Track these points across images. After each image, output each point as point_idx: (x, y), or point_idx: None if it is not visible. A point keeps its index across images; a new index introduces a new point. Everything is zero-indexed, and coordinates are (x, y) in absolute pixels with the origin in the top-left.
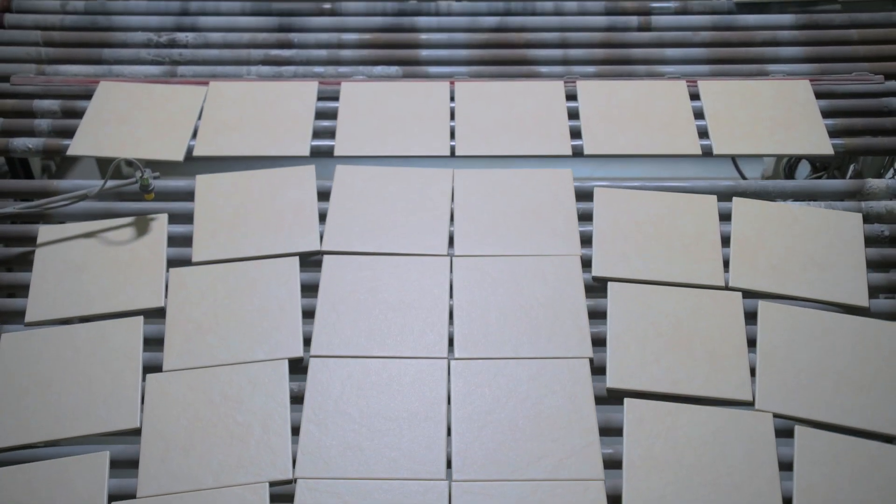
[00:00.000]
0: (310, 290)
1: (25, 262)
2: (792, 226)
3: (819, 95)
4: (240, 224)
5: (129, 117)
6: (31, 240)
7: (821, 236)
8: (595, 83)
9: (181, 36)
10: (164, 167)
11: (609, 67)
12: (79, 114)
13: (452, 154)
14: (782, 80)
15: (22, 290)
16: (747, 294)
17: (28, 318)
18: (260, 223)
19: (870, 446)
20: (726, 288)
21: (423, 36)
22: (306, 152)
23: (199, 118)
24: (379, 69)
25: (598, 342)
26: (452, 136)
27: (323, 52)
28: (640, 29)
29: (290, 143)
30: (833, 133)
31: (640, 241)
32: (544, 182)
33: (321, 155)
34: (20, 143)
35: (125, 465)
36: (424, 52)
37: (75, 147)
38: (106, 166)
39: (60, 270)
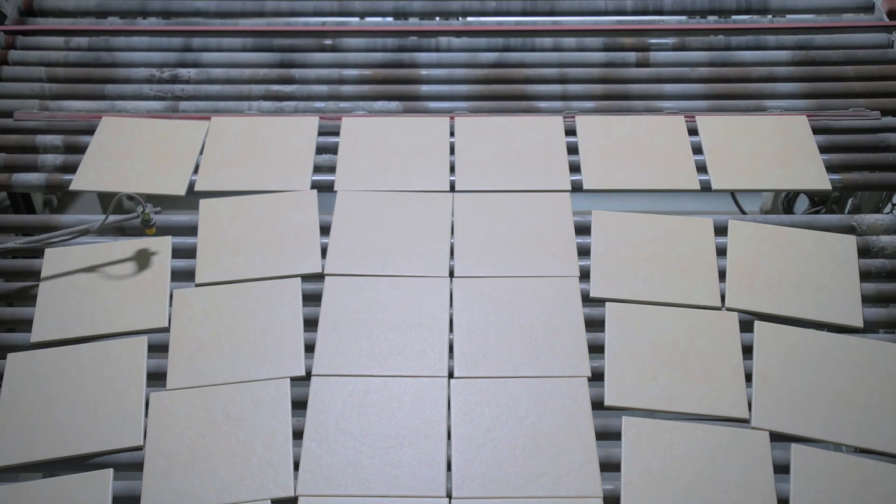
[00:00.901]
0: (312, 310)
1: (26, 297)
2: (787, 248)
3: (816, 131)
4: (242, 247)
5: (131, 152)
6: (32, 274)
7: (815, 258)
8: (594, 118)
9: (183, 72)
10: (165, 201)
11: (608, 103)
12: (81, 149)
13: (452, 189)
14: (780, 116)
15: (23, 324)
16: (743, 315)
17: (33, 339)
18: (262, 246)
19: (865, 464)
20: (723, 308)
21: (424, 72)
22: (307, 187)
23: (201, 153)
24: (379, 104)
25: (596, 361)
26: (452, 170)
27: (324, 88)
28: (639, 65)
29: (292, 178)
30: (831, 168)
31: (637, 262)
32: (543, 206)
33: (321, 189)
34: (23, 178)
35: (128, 474)
36: (425, 88)
37: (78, 182)
38: (108, 200)
39: (65, 291)
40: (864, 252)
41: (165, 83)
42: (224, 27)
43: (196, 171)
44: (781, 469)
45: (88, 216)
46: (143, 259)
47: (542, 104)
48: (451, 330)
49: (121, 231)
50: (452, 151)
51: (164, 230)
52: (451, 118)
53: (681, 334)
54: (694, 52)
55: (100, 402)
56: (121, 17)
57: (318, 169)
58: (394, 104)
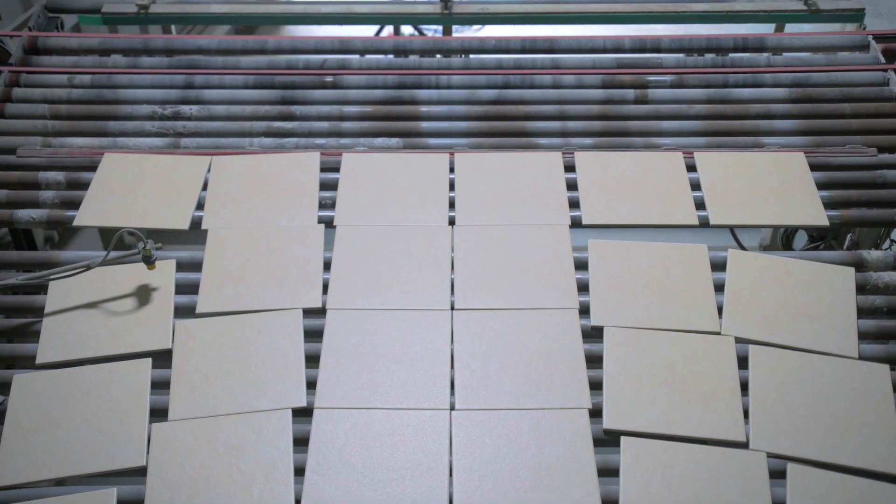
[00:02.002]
0: (314, 341)
1: (27, 334)
2: (785, 278)
3: (814, 168)
4: (246, 278)
5: (133, 188)
6: (33, 310)
7: (812, 288)
8: (593, 154)
9: (185, 108)
10: (166, 237)
11: (607, 139)
12: (84, 185)
13: (451, 224)
14: (777, 153)
15: (22, 360)
16: (739, 342)
17: (39, 360)
18: (265, 278)
19: (860, 483)
20: (720, 334)
21: (424, 108)
22: (314, 221)
23: (204, 189)
24: (380, 141)
25: (596, 397)
26: (452, 206)
27: (324, 125)
28: (637, 102)
29: (298, 213)
30: (829, 205)
31: (635, 290)
32: (542, 239)
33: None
34: (25, 214)
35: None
36: (425, 125)
37: (81, 218)
38: (109, 236)
39: (71, 313)
40: (871, 290)
41: (167, 120)
42: (226, 70)
43: (199, 206)
44: (778, 490)
45: (89, 252)
46: (147, 282)
47: (542, 140)
48: (452, 362)
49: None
50: (452, 188)
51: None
52: (451, 154)
53: (678, 358)
54: (692, 90)
55: (104, 423)
56: (124, 55)
57: (318, 205)
58: (394, 140)
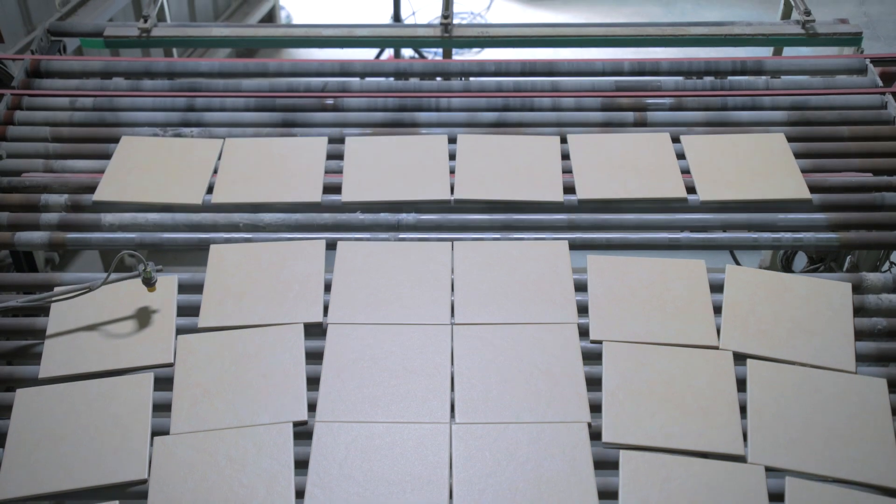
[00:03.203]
0: (314, 356)
1: (27, 356)
2: (782, 294)
3: (813, 190)
4: (247, 293)
5: (149, 167)
6: (33, 333)
7: (810, 304)
8: (585, 137)
9: (186, 131)
10: (167, 259)
11: None
12: (85, 208)
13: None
14: (759, 134)
15: (23, 383)
16: (737, 356)
17: (42, 375)
18: (266, 293)
19: (858, 497)
20: (718, 348)
21: (424, 131)
22: (318, 198)
23: (215, 170)
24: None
25: (595, 420)
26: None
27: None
28: (636, 124)
29: (303, 191)
30: (827, 227)
31: (633, 305)
32: (541, 253)
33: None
34: (25, 236)
35: None
36: None
37: (100, 194)
38: (110, 258)
39: (74, 328)
40: (871, 312)
41: None
42: (227, 93)
43: (210, 188)
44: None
45: (90, 274)
46: (149, 299)
47: None
48: (452, 377)
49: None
50: (452, 170)
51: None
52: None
53: (677, 373)
54: (691, 112)
55: (106, 437)
56: (125, 78)
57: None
58: None
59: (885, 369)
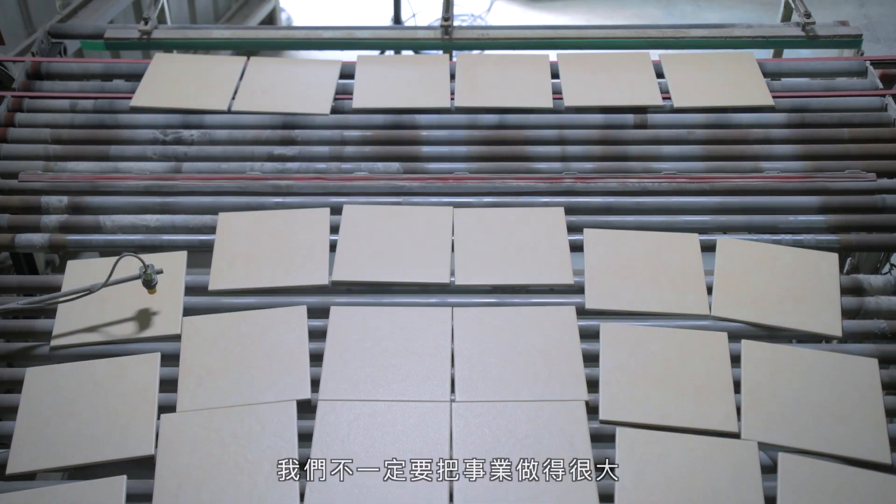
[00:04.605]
0: (317, 338)
1: (26, 357)
2: (772, 264)
3: (813, 192)
4: (255, 257)
5: (180, 79)
6: (33, 335)
7: (798, 273)
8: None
9: (186, 134)
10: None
11: (606, 164)
12: (85, 209)
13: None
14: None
15: (20, 385)
16: (727, 321)
17: (53, 343)
18: (274, 258)
19: (848, 471)
20: (710, 317)
21: (424, 133)
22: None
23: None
24: (381, 165)
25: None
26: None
27: (325, 149)
28: (637, 127)
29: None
30: (828, 229)
31: (628, 276)
32: (537, 218)
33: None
34: (26, 238)
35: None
36: (425, 149)
37: (137, 99)
38: (110, 260)
39: (85, 300)
40: (872, 314)
41: (169, 145)
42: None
43: (234, 94)
44: (769, 477)
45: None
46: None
47: (542, 165)
48: (452, 357)
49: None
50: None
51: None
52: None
53: (672, 353)
54: (691, 115)
55: (114, 415)
56: (126, 80)
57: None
58: (395, 165)
59: (887, 371)
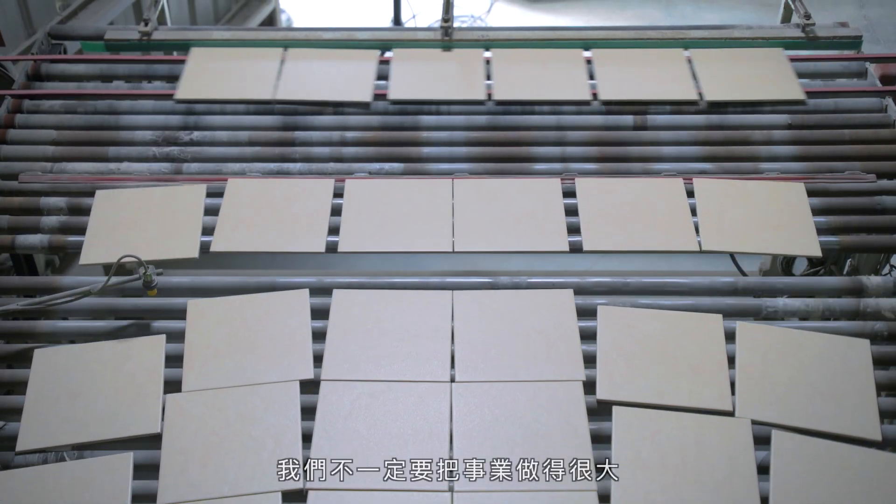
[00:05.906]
0: (319, 322)
1: (26, 359)
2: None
3: (813, 194)
4: (258, 222)
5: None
6: (33, 336)
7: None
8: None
9: (186, 134)
10: (168, 262)
11: (606, 165)
12: (85, 210)
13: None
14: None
15: (20, 386)
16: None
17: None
18: (276, 223)
19: (839, 448)
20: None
21: (424, 134)
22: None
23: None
24: (380, 166)
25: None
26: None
27: (325, 150)
28: (636, 128)
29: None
30: (828, 230)
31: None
32: (535, 190)
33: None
34: (26, 240)
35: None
36: (426, 150)
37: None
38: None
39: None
40: (871, 316)
41: (168, 145)
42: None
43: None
44: (763, 453)
45: (90, 277)
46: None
47: (542, 165)
48: (452, 339)
49: (122, 293)
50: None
51: (165, 292)
52: (452, 178)
53: (668, 334)
54: (691, 116)
55: (120, 394)
56: (126, 81)
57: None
58: (395, 166)
59: (885, 373)
